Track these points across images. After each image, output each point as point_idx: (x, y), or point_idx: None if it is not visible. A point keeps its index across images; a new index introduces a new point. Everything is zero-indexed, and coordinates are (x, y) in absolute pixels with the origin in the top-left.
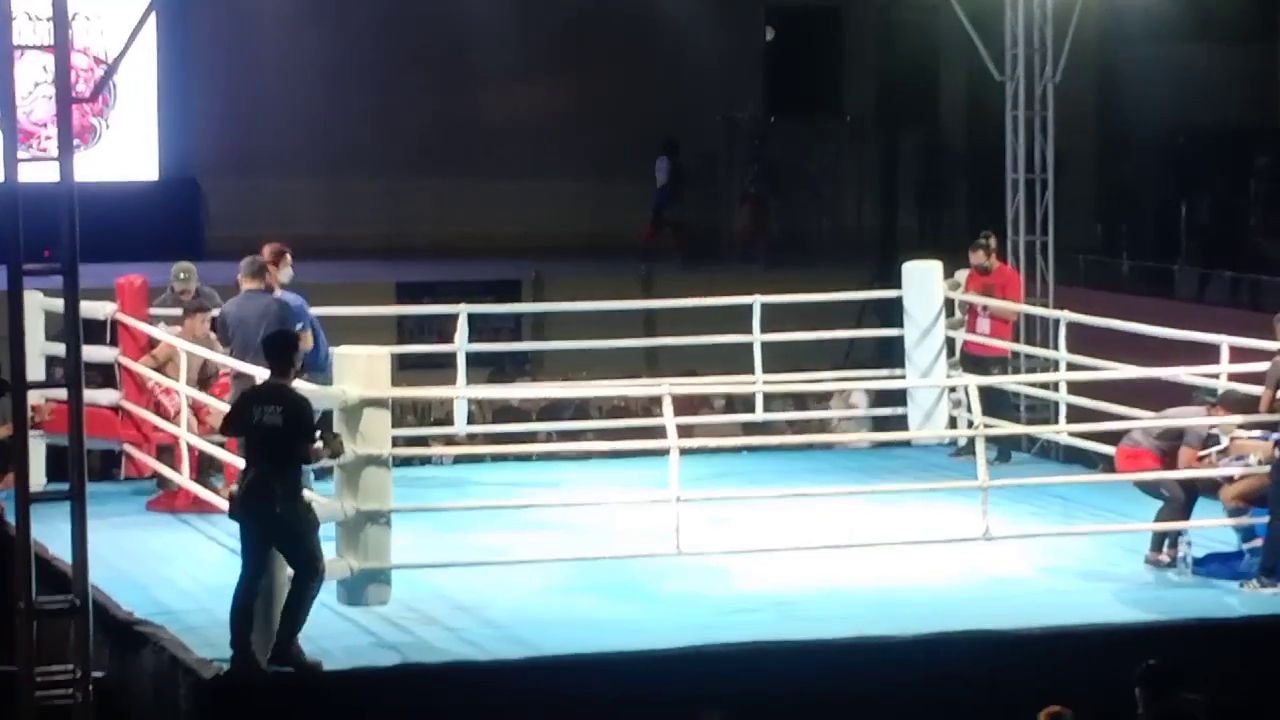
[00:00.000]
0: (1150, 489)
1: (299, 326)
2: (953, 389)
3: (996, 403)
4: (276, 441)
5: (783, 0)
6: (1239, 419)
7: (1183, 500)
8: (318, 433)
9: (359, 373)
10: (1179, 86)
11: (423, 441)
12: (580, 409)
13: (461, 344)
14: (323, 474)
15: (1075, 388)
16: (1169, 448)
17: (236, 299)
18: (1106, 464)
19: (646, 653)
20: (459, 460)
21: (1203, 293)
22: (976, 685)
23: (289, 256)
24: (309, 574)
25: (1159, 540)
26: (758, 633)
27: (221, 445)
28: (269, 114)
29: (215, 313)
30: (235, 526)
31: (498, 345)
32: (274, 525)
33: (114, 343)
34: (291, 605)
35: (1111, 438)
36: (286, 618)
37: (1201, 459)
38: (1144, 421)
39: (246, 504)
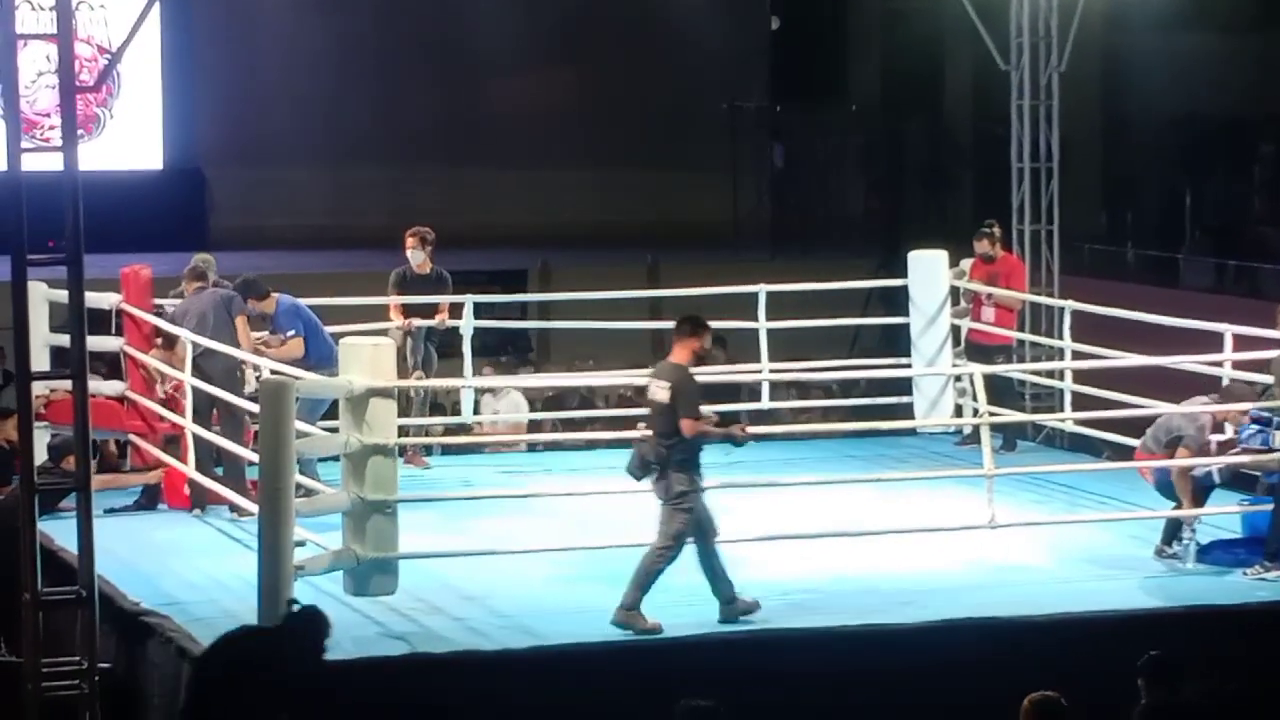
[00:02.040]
0: (1168, 492)
1: (289, 334)
2: (958, 377)
3: (1002, 391)
4: (660, 415)
5: None
6: (1245, 406)
7: (1195, 500)
8: (704, 410)
9: (364, 363)
10: (1184, 75)
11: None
12: (585, 398)
13: (468, 325)
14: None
15: (1080, 376)
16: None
17: (184, 299)
18: (1112, 452)
19: (653, 641)
20: (465, 449)
21: (1207, 281)
22: (982, 673)
23: (411, 240)
24: (667, 545)
25: (1170, 533)
26: (764, 622)
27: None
28: (273, 103)
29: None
30: (243, 519)
31: (502, 323)
32: (661, 493)
33: (119, 333)
34: (643, 568)
35: (1116, 426)
36: (637, 579)
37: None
38: (1157, 408)
39: (634, 474)
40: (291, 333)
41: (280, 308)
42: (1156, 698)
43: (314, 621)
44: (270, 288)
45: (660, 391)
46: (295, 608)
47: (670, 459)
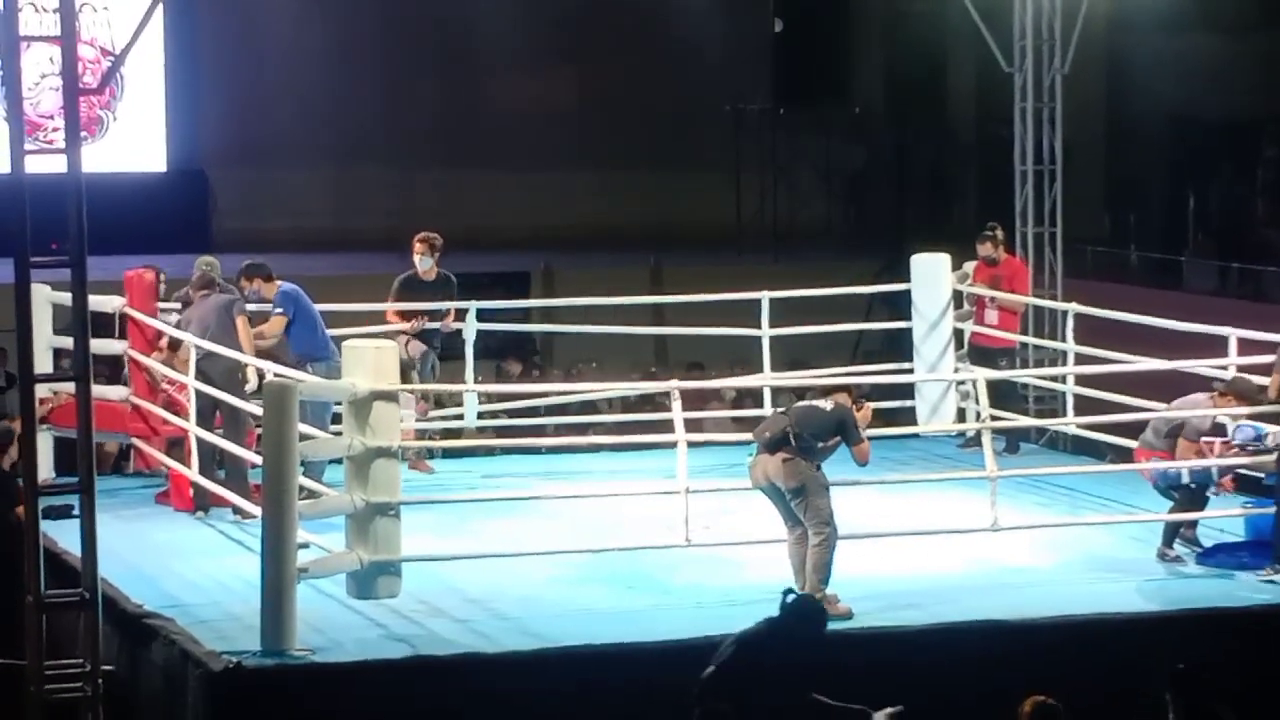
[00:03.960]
0: (1163, 488)
1: (278, 312)
2: (961, 381)
3: (1004, 394)
4: (812, 417)
5: None
6: (1246, 411)
7: (1193, 497)
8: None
9: (367, 366)
10: (1187, 77)
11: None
12: (588, 402)
13: (470, 329)
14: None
15: (1083, 379)
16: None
17: (190, 308)
18: (1115, 455)
19: (656, 643)
20: (468, 453)
21: (1210, 284)
22: (983, 675)
23: (420, 245)
24: (821, 531)
25: (1170, 535)
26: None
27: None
28: (276, 105)
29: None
30: (246, 522)
31: (506, 326)
32: (781, 474)
33: (122, 336)
34: (814, 564)
35: (1119, 429)
36: (814, 570)
37: (1201, 449)
38: (1155, 414)
39: (765, 443)
40: (280, 310)
41: (279, 291)
42: (1183, 711)
43: (812, 609)
44: (277, 275)
45: (825, 401)
46: (790, 597)
47: (802, 448)
